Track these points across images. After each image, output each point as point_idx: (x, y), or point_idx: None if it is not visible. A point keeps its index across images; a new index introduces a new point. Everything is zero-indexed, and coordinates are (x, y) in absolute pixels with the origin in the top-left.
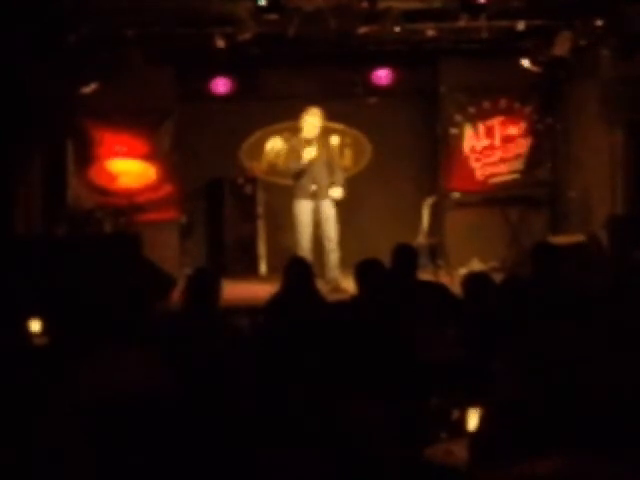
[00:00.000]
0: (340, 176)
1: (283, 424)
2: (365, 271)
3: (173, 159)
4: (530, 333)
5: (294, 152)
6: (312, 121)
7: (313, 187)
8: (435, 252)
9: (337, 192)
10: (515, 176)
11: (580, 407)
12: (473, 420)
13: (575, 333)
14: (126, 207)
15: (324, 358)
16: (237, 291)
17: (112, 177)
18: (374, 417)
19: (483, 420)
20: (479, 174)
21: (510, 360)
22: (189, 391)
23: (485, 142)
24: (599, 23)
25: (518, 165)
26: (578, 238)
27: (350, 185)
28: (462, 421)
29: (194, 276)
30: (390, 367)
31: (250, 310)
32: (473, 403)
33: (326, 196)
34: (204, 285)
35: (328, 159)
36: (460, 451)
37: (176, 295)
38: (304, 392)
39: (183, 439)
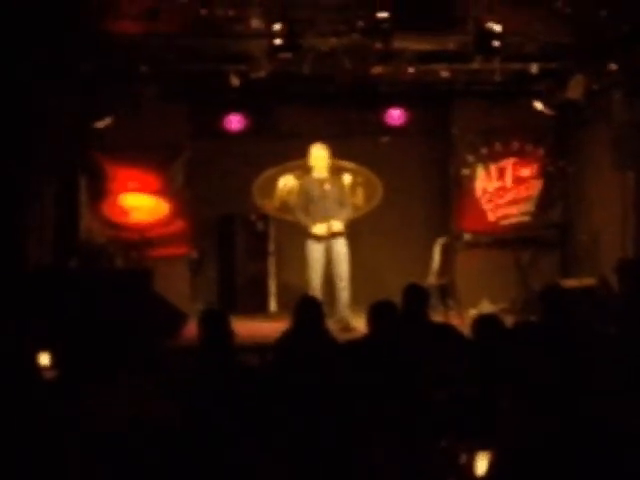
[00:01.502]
0: (348, 213)
1: (290, 462)
2: (379, 313)
3: (185, 195)
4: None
5: (305, 192)
6: (319, 154)
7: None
8: (446, 293)
9: (336, 225)
10: (526, 218)
11: (583, 457)
12: (482, 464)
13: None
14: (138, 242)
15: (331, 397)
16: (247, 328)
17: (124, 212)
18: (381, 459)
19: (492, 465)
20: (491, 215)
21: (516, 406)
22: (197, 426)
23: (497, 184)
24: (612, 67)
25: (529, 207)
26: (588, 281)
27: (361, 224)
28: (470, 465)
29: (204, 317)
30: (398, 408)
31: (259, 348)
32: (482, 447)
33: (339, 235)
34: (215, 325)
35: (340, 197)
36: None
37: (187, 331)
38: (314, 432)
39: (188, 474)
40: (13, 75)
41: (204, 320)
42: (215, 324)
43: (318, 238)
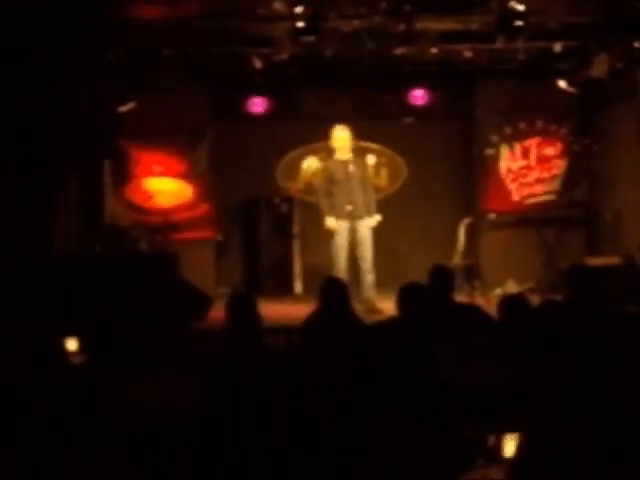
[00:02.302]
0: (373, 197)
1: (316, 448)
2: (409, 294)
3: (209, 178)
4: (563, 365)
5: (329, 174)
6: (341, 135)
7: (349, 207)
8: (471, 273)
9: (375, 220)
10: (551, 197)
11: (614, 439)
12: (509, 446)
13: (608, 364)
14: (162, 225)
15: (359, 380)
16: (272, 310)
17: (148, 196)
18: (408, 442)
19: (520, 447)
20: (515, 195)
21: (545, 387)
22: (223, 411)
23: (521, 163)
24: (636, 44)
25: (554, 186)
26: (613, 260)
27: (385, 205)
28: (498, 447)
29: (231, 300)
30: (426, 391)
31: (285, 330)
32: (509, 429)
33: (362, 216)
34: (242, 308)
35: (363, 179)
36: (496, 477)
37: (212, 314)
38: (339, 416)
39: (217, 459)
40: (37, 61)
41: (232, 303)
42: (243, 307)
43: (343, 216)
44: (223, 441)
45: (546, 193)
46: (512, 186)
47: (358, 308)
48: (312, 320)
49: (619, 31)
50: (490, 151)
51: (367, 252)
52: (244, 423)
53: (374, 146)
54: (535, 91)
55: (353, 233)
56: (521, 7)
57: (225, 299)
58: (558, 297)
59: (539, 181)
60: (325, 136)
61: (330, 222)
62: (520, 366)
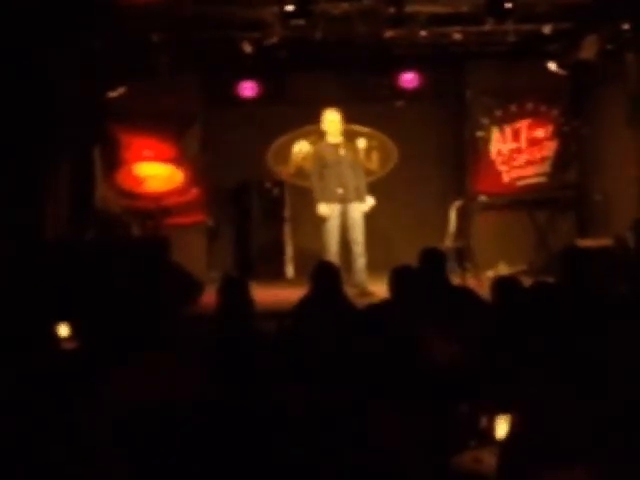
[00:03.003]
0: (363, 180)
1: (311, 429)
2: (400, 277)
3: (200, 163)
4: (555, 347)
5: (320, 157)
6: (332, 118)
7: (340, 190)
8: (462, 256)
9: (367, 206)
10: (542, 179)
11: (610, 419)
12: (502, 427)
13: (602, 346)
14: (153, 211)
15: (352, 363)
16: (264, 294)
17: (139, 181)
18: (402, 424)
19: (513, 427)
20: (506, 177)
21: (537, 369)
22: (218, 394)
23: (512, 145)
24: (626, 27)
25: (545, 168)
26: (605, 241)
27: (376, 188)
28: (491, 428)
29: (223, 284)
30: (418, 373)
31: (277, 314)
32: (502, 410)
33: (353, 199)
34: (234, 293)
35: (354, 162)
36: (489, 459)
37: (204, 299)
38: (332, 398)
39: (212, 444)
40: (27, 47)
41: (224, 287)
42: (235, 291)
43: (334, 199)
44: (218, 426)
45: (537, 175)
46: (502, 168)
47: (350, 292)
48: (304, 304)
49: (609, 13)
50: (480, 133)
51: (359, 235)
52: (238, 406)
53: (365, 129)
54: (525, 73)
55: (344, 217)
56: None
57: (217, 283)
58: (550, 279)
59: (529, 163)
60: (316, 120)
61: (322, 209)
62: (512, 348)
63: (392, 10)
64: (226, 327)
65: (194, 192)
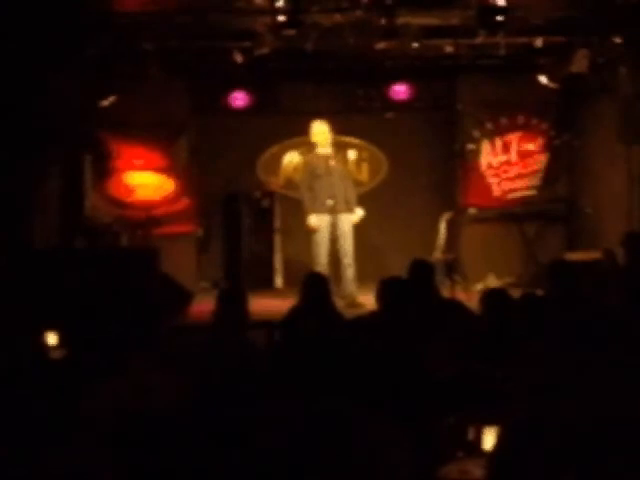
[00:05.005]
0: (353, 192)
1: (298, 442)
2: (389, 288)
3: (190, 172)
4: (545, 362)
5: (310, 168)
6: (320, 129)
7: (330, 201)
8: (451, 268)
9: (357, 216)
10: (532, 192)
11: (595, 435)
12: (489, 439)
13: (590, 362)
14: (143, 220)
15: (340, 375)
16: (253, 304)
17: (129, 190)
18: (389, 436)
19: (500, 439)
20: (496, 190)
21: (526, 379)
22: (205, 406)
23: (502, 158)
24: (617, 40)
25: (535, 181)
26: (594, 254)
27: (366, 200)
28: (478, 440)
29: (223, 295)
30: (406, 384)
31: (266, 324)
32: (489, 421)
33: (343, 210)
34: (234, 304)
35: (344, 173)
36: (476, 470)
37: (194, 309)
38: (319, 409)
39: (199, 455)
40: (17, 55)
41: (223, 299)
42: (234, 303)
43: (324, 210)
44: (208, 436)
45: (527, 188)
46: (493, 181)
47: (339, 303)
48: (293, 315)
49: (600, 27)
50: (471, 146)
51: (348, 246)
52: (224, 418)
53: (355, 141)
54: (516, 86)
55: (334, 228)
56: (502, 1)
57: (206, 294)
58: (539, 292)
59: (520, 176)
60: (306, 131)
61: (312, 220)
62: (500, 360)
63: (383, 22)
64: (222, 337)
65: (184, 202)
